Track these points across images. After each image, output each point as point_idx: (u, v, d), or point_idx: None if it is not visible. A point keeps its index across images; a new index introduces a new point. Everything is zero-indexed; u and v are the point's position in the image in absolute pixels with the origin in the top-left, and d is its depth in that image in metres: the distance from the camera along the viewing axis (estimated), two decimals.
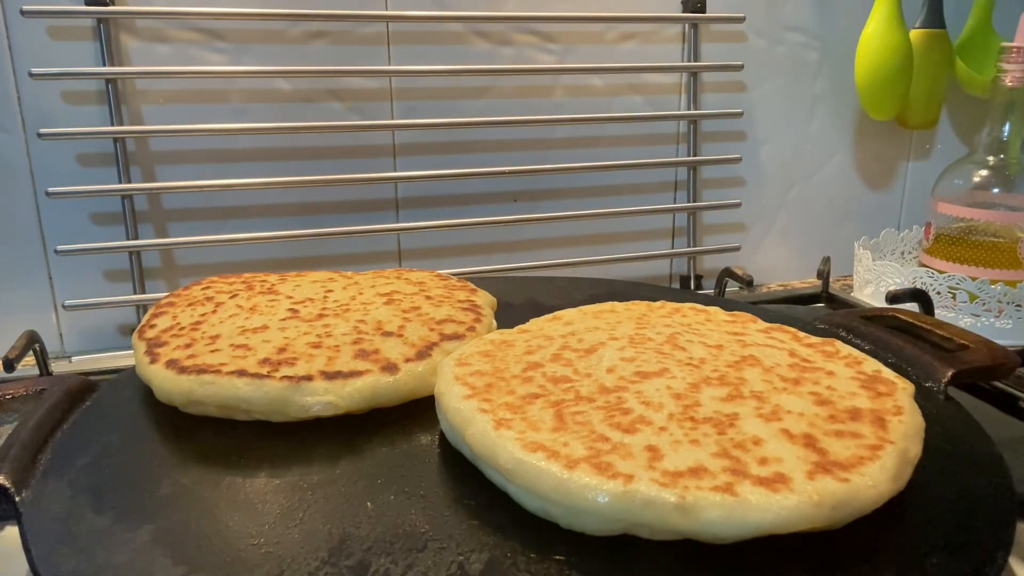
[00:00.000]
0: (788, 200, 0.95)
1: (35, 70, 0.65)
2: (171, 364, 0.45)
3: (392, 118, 0.79)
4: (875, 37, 0.86)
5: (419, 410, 0.44)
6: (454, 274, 0.63)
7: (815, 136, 0.95)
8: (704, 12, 0.85)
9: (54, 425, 0.43)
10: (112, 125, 0.70)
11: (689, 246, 0.91)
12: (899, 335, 0.51)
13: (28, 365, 0.60)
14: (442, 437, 0.42)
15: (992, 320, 0.75)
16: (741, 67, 0.87)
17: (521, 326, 0.50)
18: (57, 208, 0.70)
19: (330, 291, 0.56)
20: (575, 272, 0.83)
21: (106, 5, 0.67)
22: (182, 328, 0.50)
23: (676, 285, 0.93)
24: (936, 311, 0.67)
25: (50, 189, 0.67)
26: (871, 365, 0.43)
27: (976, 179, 0.81)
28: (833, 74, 0.93)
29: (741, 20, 0.86)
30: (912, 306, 0.65)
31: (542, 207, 0.85)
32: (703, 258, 0.92)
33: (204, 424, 0.44)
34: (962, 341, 0.50)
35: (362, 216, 0.79)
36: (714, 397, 0.39)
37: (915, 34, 0.88)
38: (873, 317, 0.55)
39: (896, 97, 0.88)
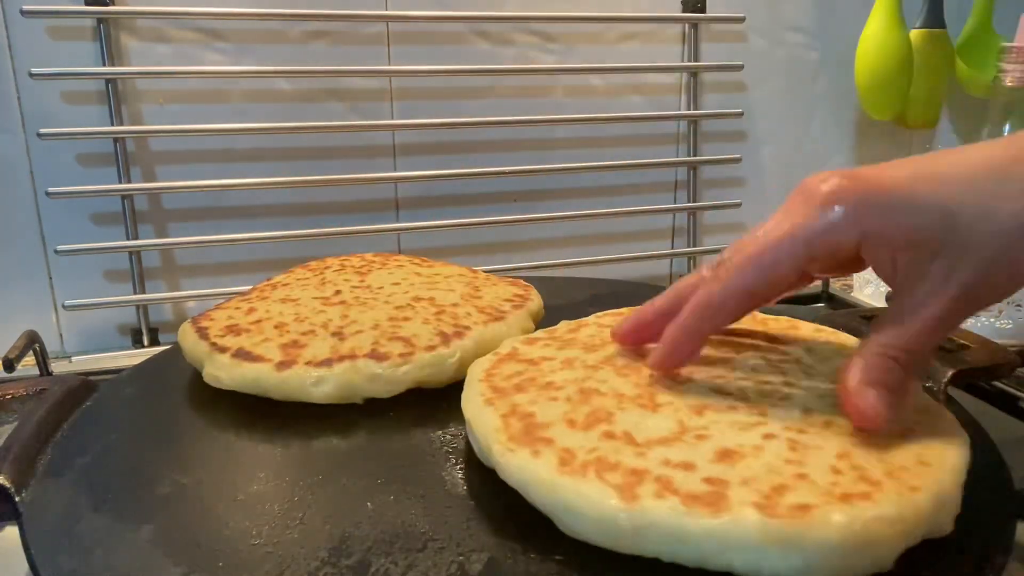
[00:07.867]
0: None
1: (35, 70, 0.65)
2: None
3: (392, 118, 0.79)
4: (875, 37, 0.86)
5: (419, 409, 0.44)
6: None
7: (815, 136, 0.95)
8: (704, 12, 0.85)
9: (54, 425, 0.43)
10: (112, 125, 0.70)
11: (689, 246, 0.91)
12: None
13: (28, 365, 0.60)
14: (442, 437, 0.42)
15: (992, 320, 0.75)
16: (741, 67, 0.87)
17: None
18: (57, 208, 0.70)
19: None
20: (575, 272, 0.83)
21: (106, 5, 0.67)
22: None
23: None
24: None
25: (50, 189, 0.67)
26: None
27: None
28: (833, 74, 0.93)
29: (741, 20, 0.86)
30: None
31: (542, 207, 0.85)
32: (703, 258, 0.92)
33: (204, 424, 0.44)
34: (962, 341, 0.49)
35: (362, 216, 0.79)
36: None
37: (915, 34, 0.88)
38: (873, 317, 0.55)
39: (896, 97, 0.88)
